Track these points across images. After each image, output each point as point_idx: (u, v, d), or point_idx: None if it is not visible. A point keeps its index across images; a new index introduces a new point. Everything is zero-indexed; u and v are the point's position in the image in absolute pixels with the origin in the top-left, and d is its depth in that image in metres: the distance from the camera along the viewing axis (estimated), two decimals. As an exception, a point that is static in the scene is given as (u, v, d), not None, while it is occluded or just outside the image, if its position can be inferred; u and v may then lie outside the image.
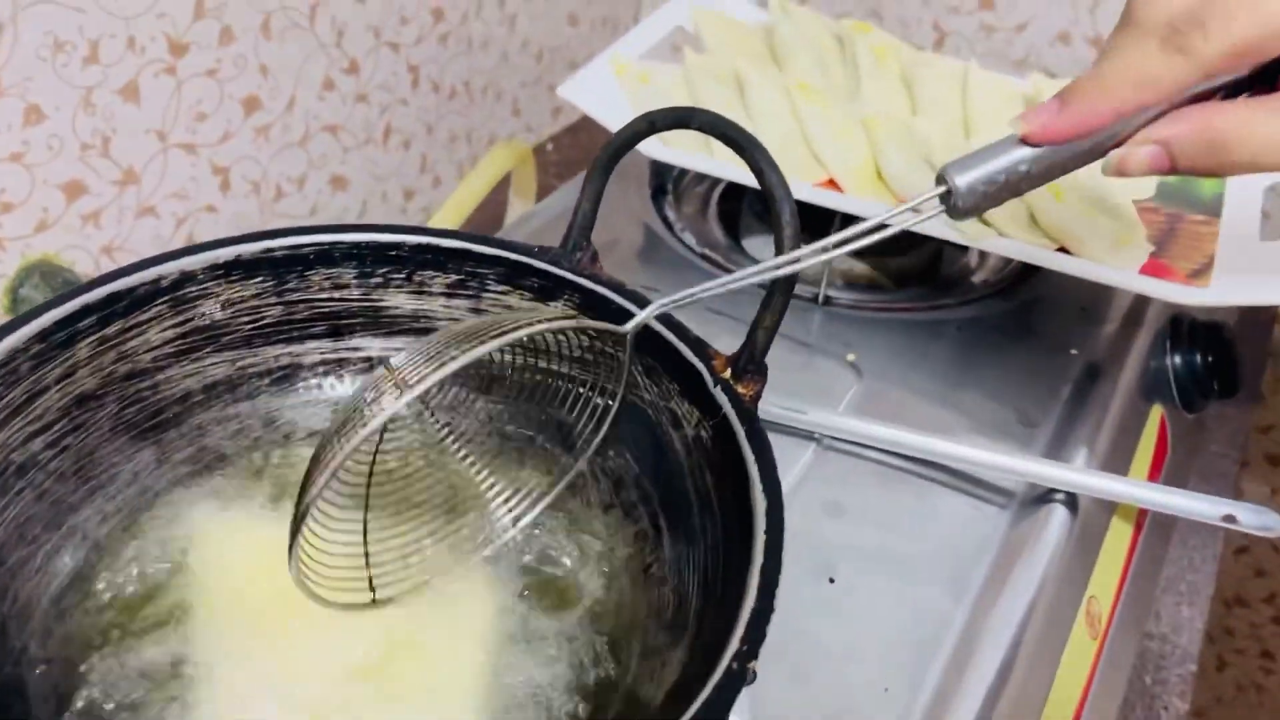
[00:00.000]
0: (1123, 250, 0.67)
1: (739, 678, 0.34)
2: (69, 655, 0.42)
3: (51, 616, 0.43)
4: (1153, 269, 0.66)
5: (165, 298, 0.48)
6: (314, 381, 0.52)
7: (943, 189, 0.41)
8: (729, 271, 0.76)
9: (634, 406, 0.49)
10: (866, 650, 0.51)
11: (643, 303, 0.48)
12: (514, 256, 0.51)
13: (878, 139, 0.73)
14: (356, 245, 0.51)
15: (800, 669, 0.50)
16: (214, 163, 0.76)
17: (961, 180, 0.41)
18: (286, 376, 0.52)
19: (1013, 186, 0.41)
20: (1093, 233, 0.67)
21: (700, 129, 0.46)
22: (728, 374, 0.45)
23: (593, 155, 0.51)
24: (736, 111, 0.76)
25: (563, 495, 0.48)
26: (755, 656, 0.35)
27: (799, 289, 0.75)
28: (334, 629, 0.43)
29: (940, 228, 0.66)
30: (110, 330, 0.47)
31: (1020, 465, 0.59)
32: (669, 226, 0.81)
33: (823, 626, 0.52)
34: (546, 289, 0.51)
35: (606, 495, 0.49)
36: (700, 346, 0.46)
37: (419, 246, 0.51)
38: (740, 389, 0.44)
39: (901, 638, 0.52)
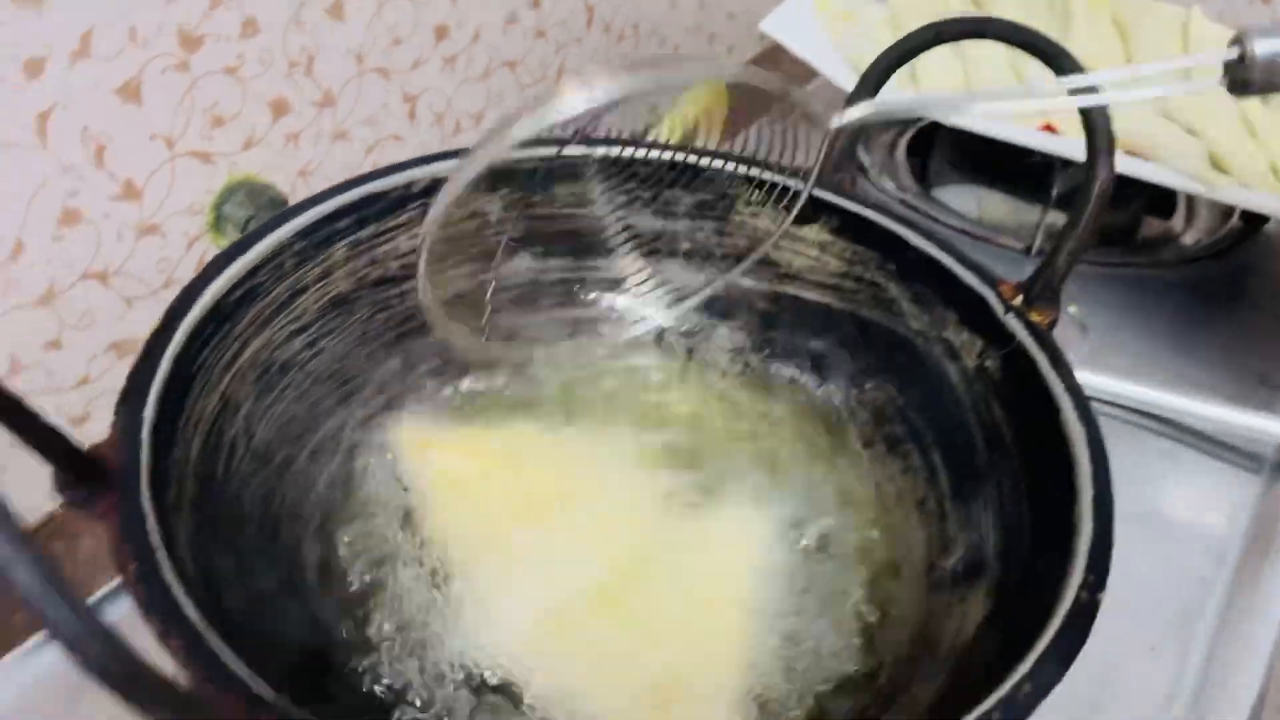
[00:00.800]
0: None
1: (1090, 607, 0.32)
2: (331, 558, 0.40)
3: (316, 519, 0.41)
4: None
5: (416, 203, 0.46)
6: (554, 298, 0.50)
7: (1235, 52, 0.35)
8: (928, 218, 0.73)
9: (899, 336, 0.46)
10: (1127, 609, 0.48)
11: (918, 230, 0.46)
12: (769, 176, 0.48)
13: (1101, 84, 0.69)
14: (605, 160, 0.49)
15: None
16: (405, 90, 0.75)
17: (1263, 46, 0.35)
18: (528, 293, 0.50)
19: None
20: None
21: (997, 38, 0.43)
22: (1018, 301, 0.42)
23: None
24: (946, 56, 0.73)
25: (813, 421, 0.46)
26: (1103, 587, 0.33)
27: (1000, 237, 0.72)
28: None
29: (1169, 174, 0.63)
30: (364, 233, 0.45)
31: (1272, 426, 0.56)
32: (862, 171, 0.78)
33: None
34: (802, 212, 0.48)
35: (868, 429, 0.47)
36: (985, 273, 0.44)
37: (669, 164, 0.49)
38: (1034, 316, 0.42)
39: (1164, 598, 0.49)
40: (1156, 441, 0.57)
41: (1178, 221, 0.78)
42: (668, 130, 0.69)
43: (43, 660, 0.44)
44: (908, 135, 0.83)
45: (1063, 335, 0.64)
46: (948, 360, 0.44)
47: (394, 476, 0.45)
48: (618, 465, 0.47)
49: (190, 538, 0.34)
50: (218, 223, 0.67)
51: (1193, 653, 0.47)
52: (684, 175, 0.49)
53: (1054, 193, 0.71)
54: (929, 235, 0.45)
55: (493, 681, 0.38)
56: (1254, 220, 0.74)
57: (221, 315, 0.40)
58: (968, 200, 0.77)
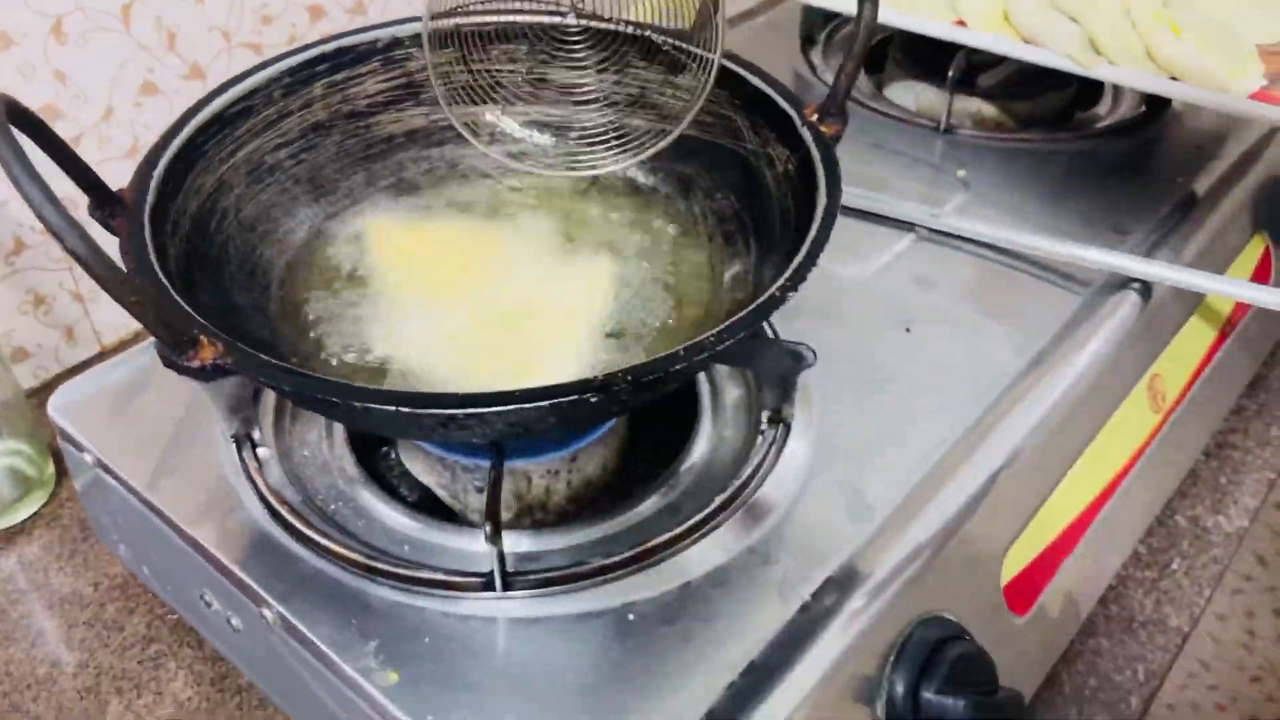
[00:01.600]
0: (1234, 83, 0.71)
1: (779, 300, 0.45)
2: (296, 294, 0.56)
3: (284, 269, 0.57)
4: (1262, 96, 0.70)
5: (379, 56, 0.62)
6: (488, 136, 0.65)
7: None
8: (872, 111, 0.84)
9: (739, 155, 0.59)
10: (929, 383, 0.60)
11: (751, 69, 0.58)
12: (657, 38, 0.62)
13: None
14: (530, 26, 0.63)
15: (870, 391, 0.59)
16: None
17: None
18: (469, 131, 0.65)
19: None
20: (1205, 66, 0.72)
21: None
22: (814, 118, 0.55)
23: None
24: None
25: (678, 228, 0.60)
26: (795, 289, 0.45)
27: (922, 120, 0.83)
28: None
29: (1049, 55, 0.72)
30: (338, 77, 0.61)
31: (1100, 256, 0.66)
32: (814, 71, 0.89)
33: (894, 362, 0.61)
34: (676, 62, 0.61)
35: (712, 228, 0.60)
36: (794, 100, 0.56)
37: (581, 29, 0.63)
38: (823, 129, 0.54)
39: (963, 378, 0.60)
40: (1002, 270, 0.68)
41: (1103, 109, 0.87)
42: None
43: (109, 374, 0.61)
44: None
45: (945, 192, 0.75)
46: (767, 169, 0.57)
47: (353, 250, 0.60)
48: (522, 240, 0.61)
49: (180, 256, 0.50)
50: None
51: (976, 411, 0.58)
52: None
53: (949, 75, 0.81)
54: (762, 75, 0.58)
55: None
56: (1156, 105, 0.83)
57: (223, 122, 0.56)
58: (908, 96, 0.87)
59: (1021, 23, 0.77)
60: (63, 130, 0.71)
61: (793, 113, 0.55)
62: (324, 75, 0.60)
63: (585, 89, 0.63)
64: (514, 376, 0.50)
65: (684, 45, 0.60)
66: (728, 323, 0.44)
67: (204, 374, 0.42)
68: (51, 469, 0.71)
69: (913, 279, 0.67)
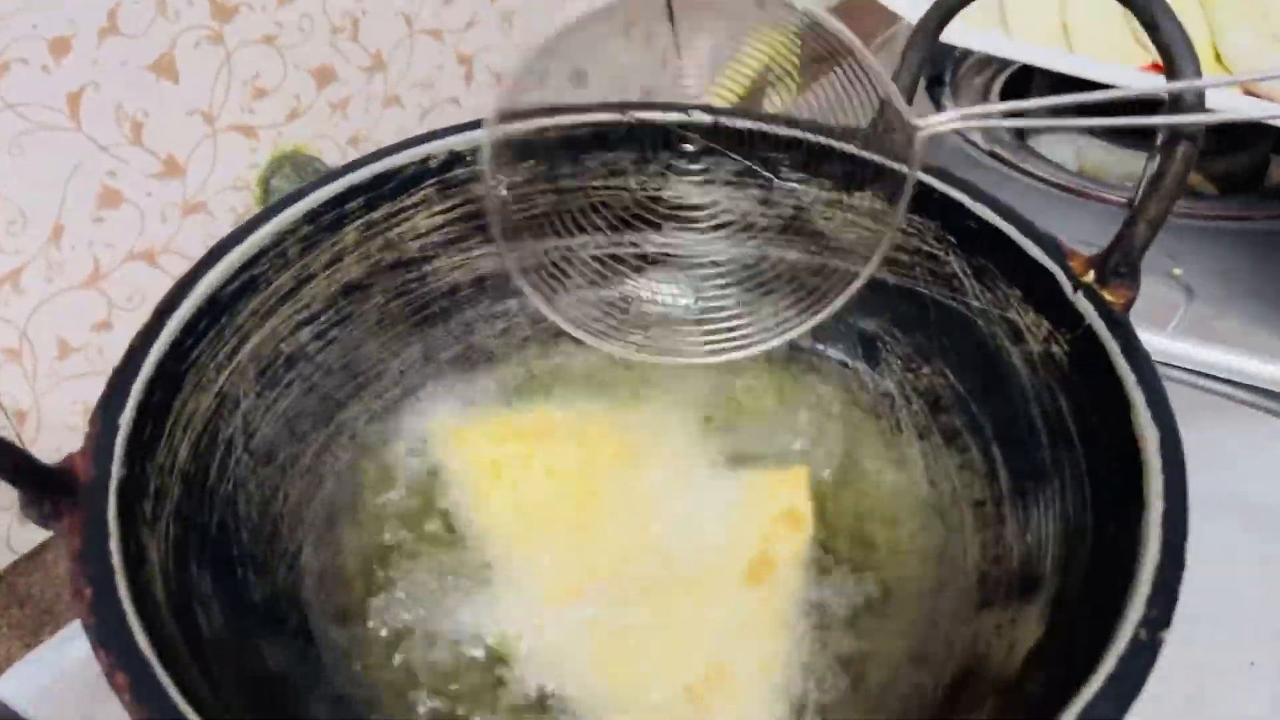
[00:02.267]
0: None
1: (1149, 649, 0.27)
2: (343, 563, 0.38)
3: (323, 519, 0.39)
4: None
5: (433, 180, 0.44)
6: (587, 277, 0.47)
7: None
8: (1021, 172, 0.67)
9: (957, 315, 0.41)
10: (1223, 618, 0.43)
11: (979, 196, 0.41)
12: (814, 138, 0.44)
13: (1216, 14, 0.62)
14: (637, 126, 0.45)
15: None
16: (459, 51, 0.72)
17: None
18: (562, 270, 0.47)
19: None
20: None
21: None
22: (1090, 278, 0.37)
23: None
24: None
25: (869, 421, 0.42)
26: (1167, 625, 0.28)
27: (1103, 191, 0.65)
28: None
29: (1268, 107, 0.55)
30: (377, 214, 0.43)
31: None
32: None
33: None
34: (851, 176, 0.44)
35: (922, 418, 0.42)
36: (1052, 244, 0.38)
37: (706, 127, 0.45)
38: (1108, 295, 0.36)
39: (1262, 602, 0.44)
40: (1267, 421, 0.51)
41: (1311, 166, 0.70)
42: (729, 83, 0.64)
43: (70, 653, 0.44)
44: (1002, 78, 0.77)
45: (1163, 301, 0.58)
46: (1011, 343, 0.39)
47: (418, 469, 0.42)
48: (657, 444, 0.44)
49: (169, 552, 0.32)
50: (265, 197, 0.65)
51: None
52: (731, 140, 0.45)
53: (1160, 139, 0.64)
54: (993, 203, 0.41)
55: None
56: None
57: (218, 308, 0.38)
58: (1066, 150, 0.70)
59: (1241, 66, 0.60)
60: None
61: (1055, 268, 0.38)
62: (358, 215, 0.42)
63: (717, 211, 0.46)
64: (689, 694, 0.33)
65: (862, 154, 0.42)
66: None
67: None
68: None
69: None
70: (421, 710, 0.34)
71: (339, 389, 0.42)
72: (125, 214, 0.58)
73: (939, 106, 0.73)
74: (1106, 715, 0.26)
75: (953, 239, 0.41)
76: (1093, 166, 0.68)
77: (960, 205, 0.41)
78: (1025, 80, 0.75)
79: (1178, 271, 0.59)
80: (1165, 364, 0.53)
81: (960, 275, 0.41)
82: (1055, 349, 0.38)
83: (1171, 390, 0.52)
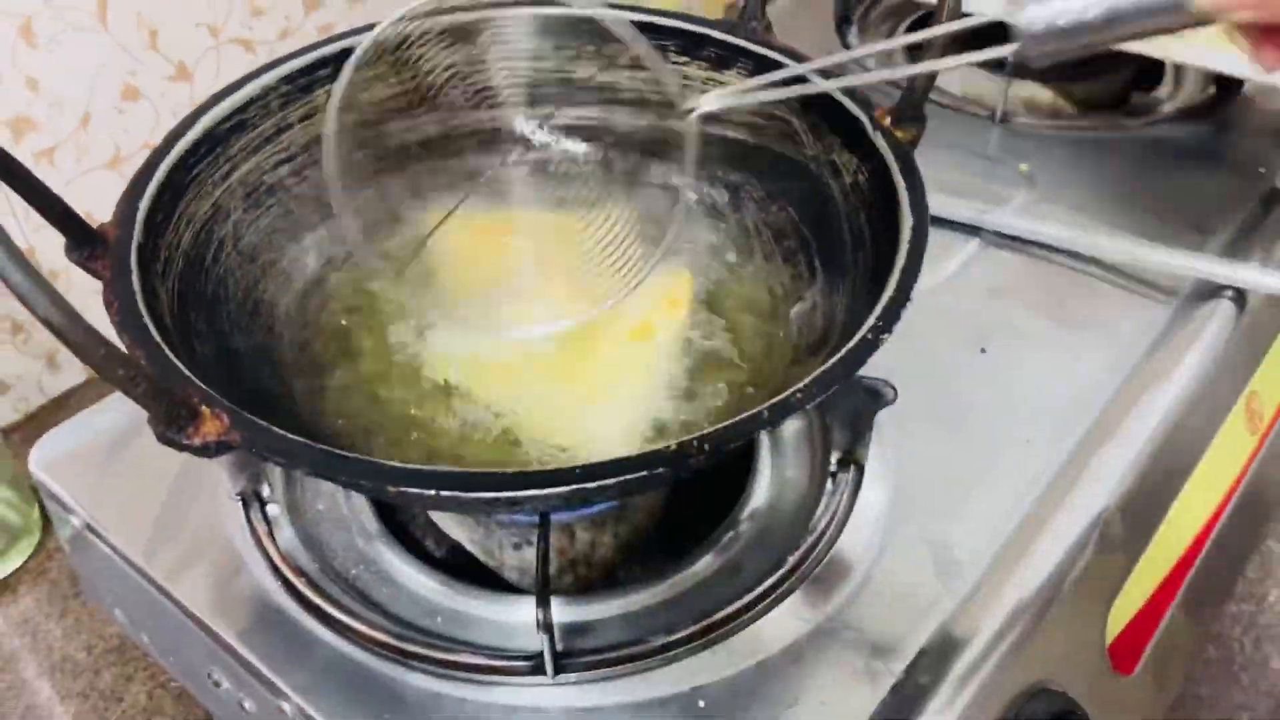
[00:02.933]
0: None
1: (873, 345, 0.38)
2: (309, 335, 0.50)
3: (294, 308, 0.51)
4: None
5: (389, 56, 0.55)
6: (512, 145, 0.58)
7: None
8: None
9: (796, 163, 0.52)
10: (1013, 409, 0.54)
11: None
12: (691, 27, 0.55)
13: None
14: (550, 19, 0.56)
15: (948, 421, 0.53)
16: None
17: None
18: (490, 140, 0.58)
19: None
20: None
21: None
22: (887, 121, 0.48)
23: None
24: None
25: (731, 247, 0.54)
26: (889, 330, 0.39)
27: (974, 108, 0.76)
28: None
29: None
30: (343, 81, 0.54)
31: (1188, 262, 0.60)
32: (847, 48, 0.83)
33: (972, 388, 0.55)
34: (722, 58, 0.55)
35: (769, 245, 0.53)
36: (864, 101, 0.49)
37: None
38: (899, 134, 0.47)
39: (1049, 402, 0.54)
40: (1078, 278, 0.62)
41: (1164, 91, 0.81)
42: None
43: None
44: (907, 22, 0.88)
45: (1009, 190, 0.69)
46: (832, 179, 0.50)
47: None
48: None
49: (173, 299, 0.43)
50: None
51: (1067, 442, 0.52)
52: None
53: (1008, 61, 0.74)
54: (824, 74, 0.51)
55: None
56: (1227, 86, 0.76)
57: (215, 140, 0.49)
58: (954, 79, 0.81)
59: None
60: (37, 143, 0.65)
61: (862, 116, 0.49)
62: (326, 81, 0.53)
63: (620, 89, 0.57)
64: (575, 413, 0.45)
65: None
66: (817, 374, 0.37)
67: (207, 451, 0.36)
68: (38, 514, 0.65)
69: (984, 290, 0.61)
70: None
71: (309, 215, 0.53)
72: (142, 108, 0.69)
73: (846, 44, 0.84)
74: (820, 387, 0.37)
75: (795, 103, 0.52)
76: (971, 92, 0.79)
77: (800, 77, 0.52)
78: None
79: (1024, 168, 0.70)
80: (999, 234, 0.64)
81: (800, 132, 0.52)
82: (860, 178, 0.48)
83: (1003, 254, 0.63)
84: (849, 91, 0.50)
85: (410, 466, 0.35)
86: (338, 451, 0.35)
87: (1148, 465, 0.52)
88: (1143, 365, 0.56)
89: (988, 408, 0.54)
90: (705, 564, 0.48)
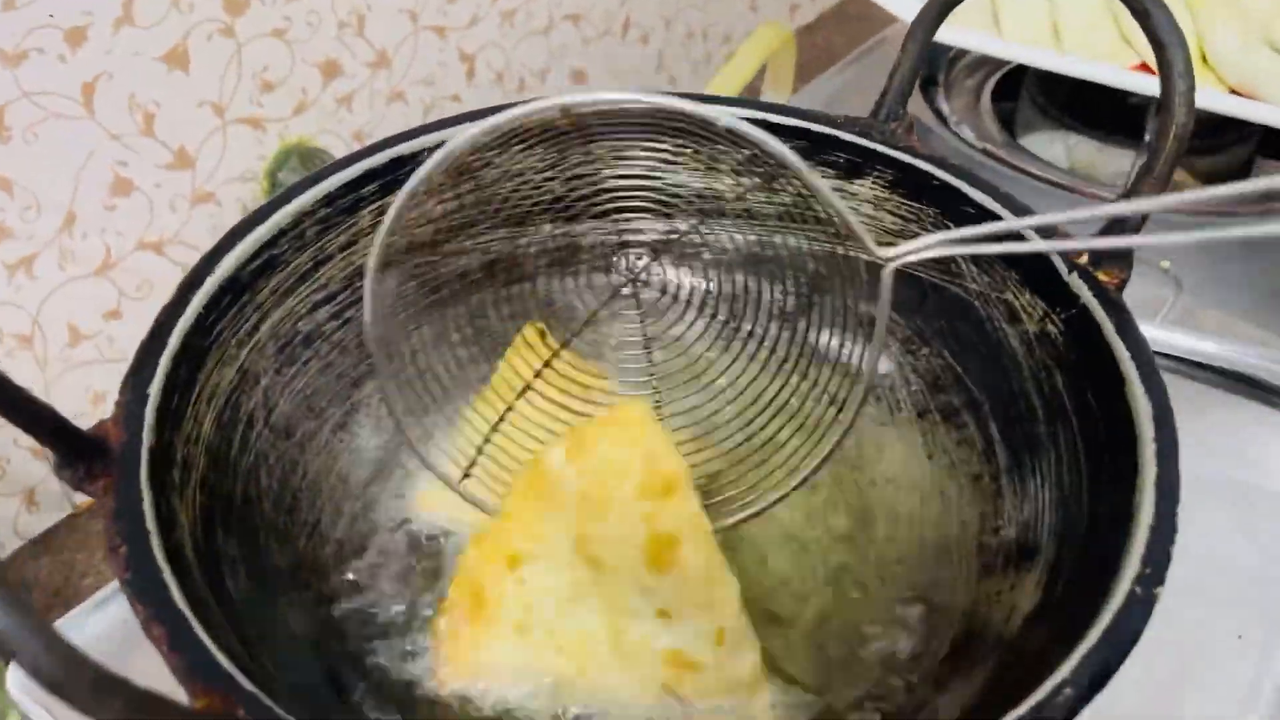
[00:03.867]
0: None
1: (1146, 604, 0.29)
2: (360, 534, 0.39)
3: (340, 493, 0.40)
4: None
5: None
6: (593, 264, 0.48)
7: None
8: (1013, 168, 0.68)
9: (955, 297, 0.43)
10: (1212, 593, 0.44)
11: (978, 184, 0.42)
12: (817, 128, 0.45)
13: (1201, 16, 0.63)
14: (646, 113, 0.46)
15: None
16: (461, 48, 0.73)
17: None
18: (564, 258, 0.48)
19: None
20: None
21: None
22: (1084, 259, 0.38)
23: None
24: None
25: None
26: (1161, 581, 0.29)
27: (1093, 188, 0.67)
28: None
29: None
30: (391, 198, 0.44)
31: (1388, 391, 0.51)
32: (942, 120, 0.73)
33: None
34: (854, 165, 0.45)
35: (920, 399, 0.43)
36: (1047, 229, 0.40)
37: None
38: (1101, 276, 0.38)
39: (1251, 578, 0.45)
40: (1255, 409, 0.52)
41: (1294, 163, 0.72)
42: (724, 78, 0.66)
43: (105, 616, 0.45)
44: (994, 79, 0.78)
45: (1153, 293, 0.60)
46: (1008, 324, 0.41)
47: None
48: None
49: (197, 518, 0.33)
50: (273, 190, 0.66)
51: (1285, 640, 0.43)
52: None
53: (1148, 137, 0.65)
54: (990, 189, 0.42)
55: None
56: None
57: (239, 286, 0.39)
58: (1057, 148, 0.72)
59: (1227, 69, 0.62)
60: (12, 251, 0.55)
61: (1051, 252, 0.39)
62: (372, 199, 0.43)
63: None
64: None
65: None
66: (1085, 653, 0.28)
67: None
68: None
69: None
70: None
71: (354, 367, 0.43)
72: (136, 203, 0.59)
73: (933, 107, 0.74)
74: (1105, 664, 0.27)
75: (950, 225, 0.43)
76: (1083, 164, 0.70)
77: (958, 191, 0.42)
78: (1017, 80, 0.76)
79: (1166, 264, 0.60)
80: (1155, 352, 0.54)
81: (958, 259, 0.43)
82: (1050, 328, 0.39)
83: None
84: (1025, 213, 0.41)
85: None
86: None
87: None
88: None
89: (1177, 594, 0.44)
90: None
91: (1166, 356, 0.55)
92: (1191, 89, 0.37)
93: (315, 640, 0.35)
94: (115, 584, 0.45)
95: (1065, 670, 0.27)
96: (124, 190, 0.58)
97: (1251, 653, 0.42)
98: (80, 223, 0.56)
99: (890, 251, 0.33)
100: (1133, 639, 0.28)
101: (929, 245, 0.32)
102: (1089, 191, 0.66)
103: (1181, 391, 0.53)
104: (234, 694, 0.26)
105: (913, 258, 0.32)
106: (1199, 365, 0.54)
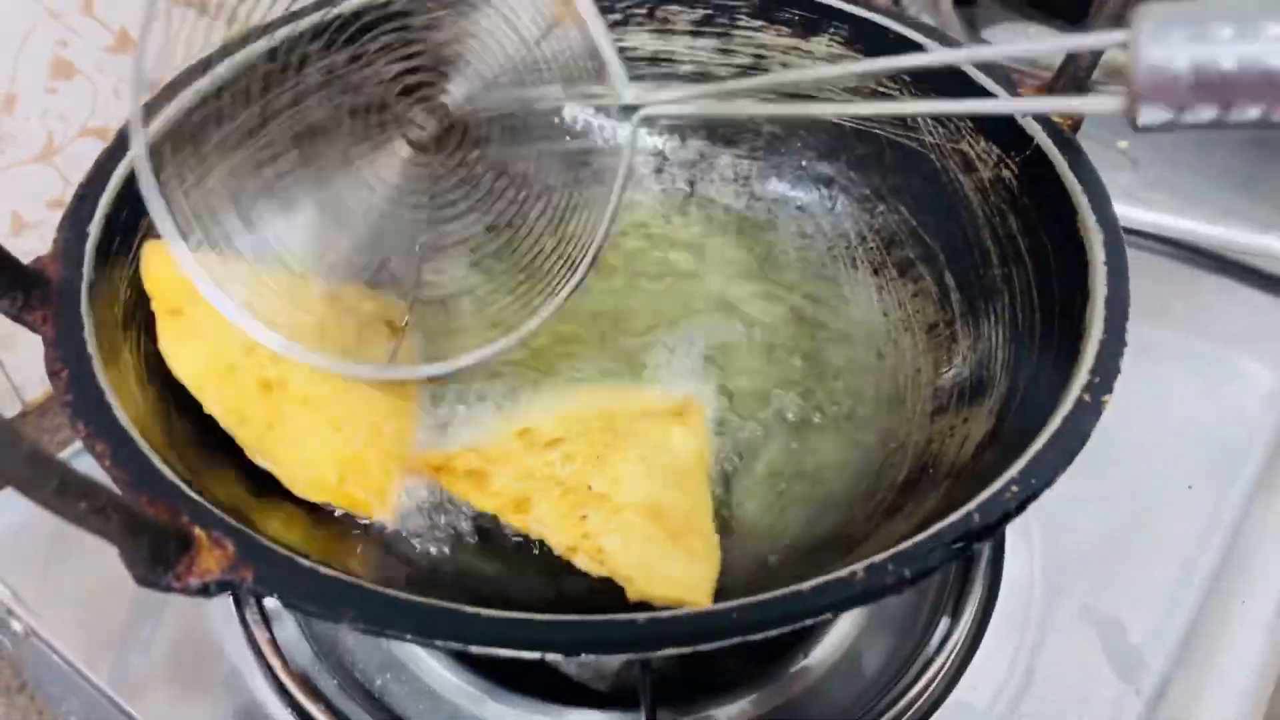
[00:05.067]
0: None
1: (1094, 410, 0.29)
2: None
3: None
4: None
5: (396, 22, 0.44)
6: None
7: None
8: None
9: (911, 151, 0.42)
10: (1165, 447, 0.45)
11: (931, 34, 0.42)
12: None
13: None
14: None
15: (1093, 466, 0.44)
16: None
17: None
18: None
19: None
20: None
21: None
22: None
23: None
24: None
25: (821, 258, 0.43)
26: (1109, 390, 0.30)
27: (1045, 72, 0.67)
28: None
29: None
30: (341, 56, 0.43)
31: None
32: (898, 4, 0.72)
33: (1114, 421, 0.46)
34: (809, 22, 0.44)
35: (876, 255, 0.43)
36: (1002, 74, 0.40)
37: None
38: (1056, 118, 0.38)
39: (1205, 436, 0.46)
40: (1210, 279, 0.53)
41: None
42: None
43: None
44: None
45: (1108, 171, 0.59)
46: (963, 174, 0.41)
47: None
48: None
49: (141, 355, 0.33)
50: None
51: (1233, 491, 0.44)
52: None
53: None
54: (946, 40, 0.42)
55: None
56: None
57: (181, 138, 0.38)
58: (1017, 39, 0.71)
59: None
60: (-50, 137, 0.53)
61: (1003, 93, 0.39)
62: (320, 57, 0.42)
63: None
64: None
65: None
66: (1028, 461, 0.28)
67: (205, 592, 0.26)
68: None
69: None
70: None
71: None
72: (78, 87, 0.57)
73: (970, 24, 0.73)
74: (1053, 464, 0.28)
75: (908, 78, 0.42)
76: (1045, 55, 0.70)
77: (914, 44, 0.42)
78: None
79: (1124, 144, 0.60)
80: (1110, 226, 0.55)
81: (914, 114, 0.42)
82: (1005, 173, 0.39)
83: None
84: (988, 66, 0.40)
85: (519, 617, 0.25)
86: (402, 597, 0.25)
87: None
88: (1303, 387, 0.47)
89: (1131, 446, 0.45)
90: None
91: (1125, 231, 0.55)
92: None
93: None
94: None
95: (1014, 470, 0.27)
96: (65, 73, 0.56)
97: (1201, 503, 0.43)
98: (21, 105, 0.55)
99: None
100: (1081, 440, 0.28)
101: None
102: (1042, 75, 0.66)
103: (1139, 264, 0.54)
104: (179, 502, 0.26)
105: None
106: (1155, 238, 0.55)
